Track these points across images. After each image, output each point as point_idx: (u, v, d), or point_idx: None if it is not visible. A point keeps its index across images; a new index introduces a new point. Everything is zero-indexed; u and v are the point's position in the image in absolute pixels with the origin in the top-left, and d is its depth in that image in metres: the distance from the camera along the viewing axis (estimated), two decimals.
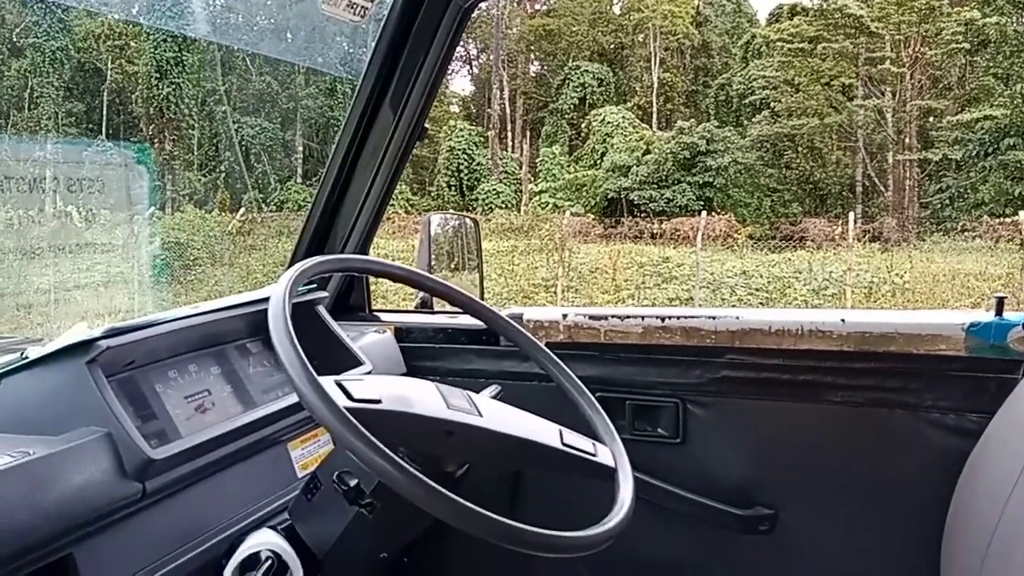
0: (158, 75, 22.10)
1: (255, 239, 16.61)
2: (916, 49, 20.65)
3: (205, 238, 16.24)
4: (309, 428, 1.44)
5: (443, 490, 0.89)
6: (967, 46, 19.90)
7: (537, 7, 30.39)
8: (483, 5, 1.55)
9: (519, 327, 1.34)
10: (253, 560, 1.12)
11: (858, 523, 1.51)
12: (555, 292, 13.73)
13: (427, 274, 1.44)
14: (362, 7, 1.43)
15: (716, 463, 1.60)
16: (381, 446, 0.88)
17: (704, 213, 17.09)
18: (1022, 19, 18.76)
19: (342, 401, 0.95)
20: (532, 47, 29.57)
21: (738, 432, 1.59)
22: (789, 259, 15.10)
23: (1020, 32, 18.59)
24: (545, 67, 29.79)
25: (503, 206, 23.08)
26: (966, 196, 19.01)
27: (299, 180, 24.39)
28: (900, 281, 12.97)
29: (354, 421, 0.89)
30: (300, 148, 24.97)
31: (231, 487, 1.24)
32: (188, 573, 1.13)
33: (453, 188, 24.10)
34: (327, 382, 0.96)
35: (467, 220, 2.00)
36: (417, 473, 0.88)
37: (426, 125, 1.68)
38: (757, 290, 13.40)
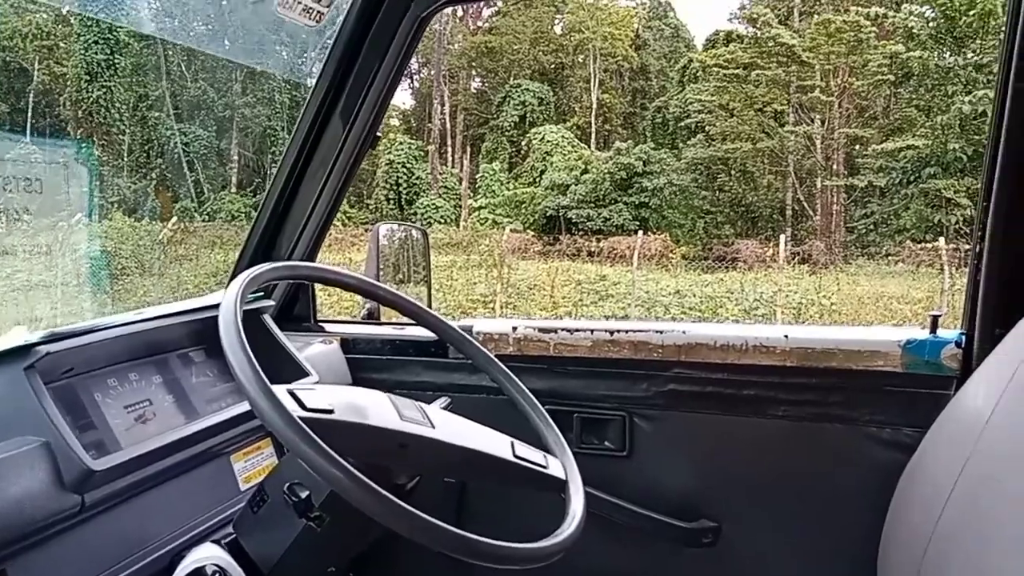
0: (88, 77, 21.44)
1: (187, 249, 16.21)
2: (844, 79, 21.43)
3: (134, 247, 15.77)
4: (252, 440, 1.40)
5: (397, 501, 0.88)
6: (892, 78, 20.73)
7: (479, 24, 30.56)
8: (438, 15, 1.55)
9: (471, 339, 1.34)
10: (197, 575, 1.09)
11: (798, 535, 1.54)
12: (494, 308, 13.74)
13: (379, 284, 1.42)
14: (318, 12, 1.41)
15: (662, 476, 1.62)
16: (336, 456, 0.86)
17: (640, 233, 17.37)
18: (943, 54, 19.63)
19: (295, 411, 0.93)
20: (474, 63, 29.70)
21: (683, 445, 1.61)
22: (721, 279, 15.46)
23: (941, 67, 19.45)
24: (486, 84, 29.94)
25: (442, 221, 23.06)
26: (889, 222, 19.73)
27: (233, 190, 23.91)
28: (827, 303, 13.37)
29: (308, 431, 0.87)
30: (235, 157, 24.50)
31: (172, 500, 1.20)
32: None
33: (392, 201, 23.96)
34: (280, 391, 0.94)
35: (417, 232, 1.98)
36: (371, 484, 0.87)
37: (377, 133, 1.67)
38: (690, 309, 13.65)
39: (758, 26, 22.24)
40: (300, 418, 0.90)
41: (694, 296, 14.25)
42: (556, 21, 29.44)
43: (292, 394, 0.98)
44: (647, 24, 28.40)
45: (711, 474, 1.60)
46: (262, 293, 1.56)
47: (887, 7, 21.00)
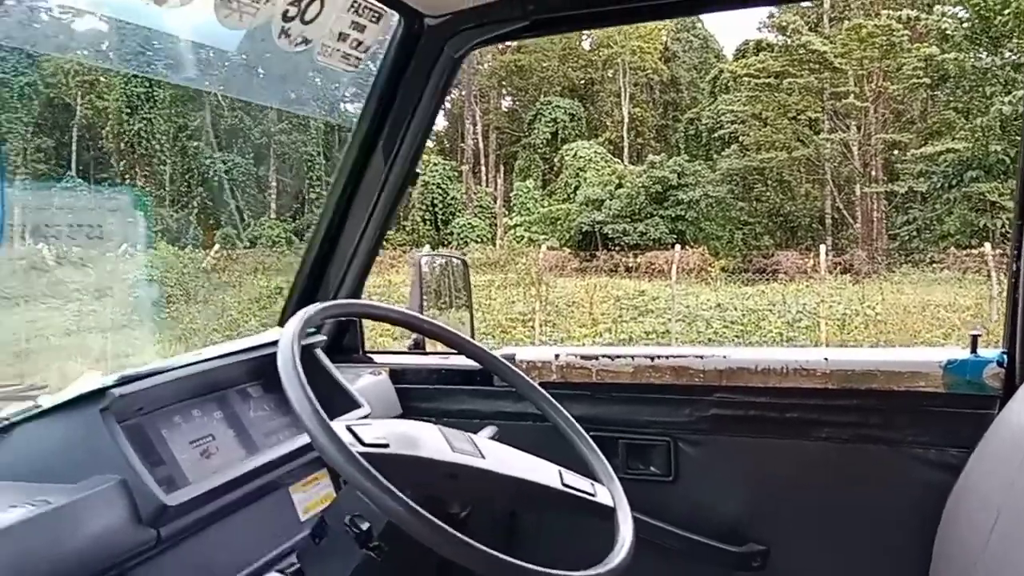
0: (129, 110, 22.00)
1: (229, 276, 16.49)
2: (879, 84, 21.19)
3: (178, 275, 16.10)
4: (310, 472, 1.45)
5: (452, 531, 0.91)
6: (928, 81, 20.44)
7: (508, 43, 30.80)
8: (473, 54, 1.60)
9: (514, 368, 1.37)
10: None
11: (848, 557, 1.54)
12: (533, 326, 13.76)
13: (423, 316, 1.47)
14: (355, 58, 1.47)
15: (708, 500, 1.63)
16: (393, 489, 0.91)
17: (678, 246, 17.27)
18: (979, 55, 19.31)
19: (354, 446, 0.98)
20: (504, 82, 29.89)
21: (728, 469, 1.62)
22: (763, 291, 15.29)
23: (978, 68, 19.13)
24: (517, 102, 30.09)
25: (478, 240, 23.16)
26: (932, 228, 19.38)
27: (272, 216, 24.29)
28: (872, 313, 13.17)
29: (367, 466, 0.92)
30: (273, 184, 24.90)
31: (238, 532, 1.25)
32: None
33: (428, 223, 24.13)
34: (339, 427, 0.99)
35: (456, 260, 2.03)
36: (427, 515, 0.91)
37: (417, 170, 1.72)
38: (732, 323, 13.53)
39: (788, 34, 22.08)
40: (359, 453, 0.95)
41: (735, 309, 14.12)
42: (584, 37, 29.54)
43: (350, 430, 1.02)
44: (675, 36, 28.34)
45: (757, 497, 1.61)
46: (313, 329, 1.62)
47: (919, 9, 20.75)
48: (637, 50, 27.40)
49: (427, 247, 16.68)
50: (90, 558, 0.99)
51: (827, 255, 15.49)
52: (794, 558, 1.58)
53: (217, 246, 18.58)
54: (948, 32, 19.44)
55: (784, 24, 22.33)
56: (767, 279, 16.42)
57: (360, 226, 1.72)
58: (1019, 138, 17.22)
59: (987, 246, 13.89)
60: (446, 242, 22.60)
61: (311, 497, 1.44)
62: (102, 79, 23.27)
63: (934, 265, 16.76)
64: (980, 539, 1.07)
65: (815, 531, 1.56)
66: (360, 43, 1.43)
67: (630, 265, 17.78)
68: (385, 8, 1.44)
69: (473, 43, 1.59)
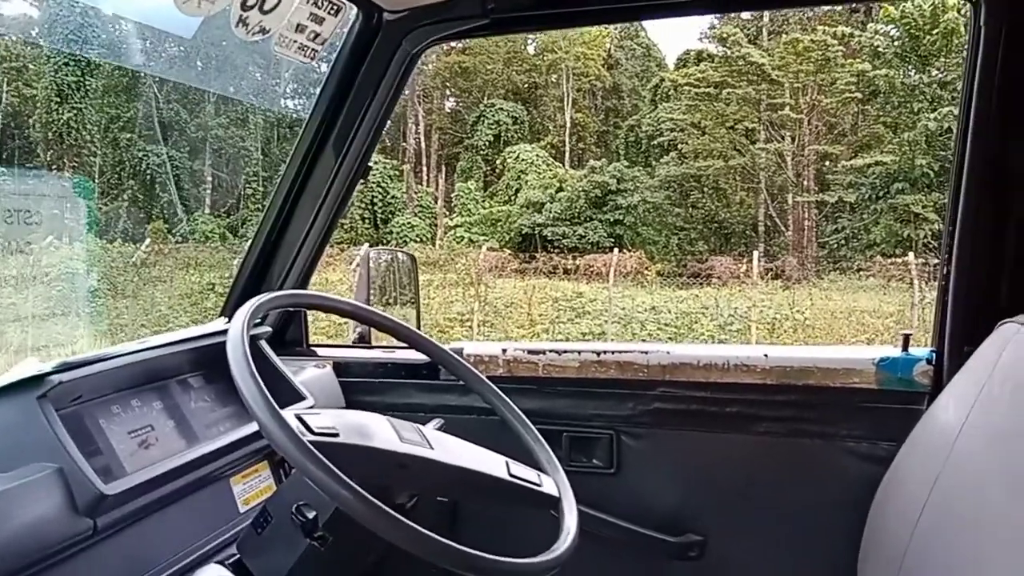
0: (58, 99, 21.27)
1: (160, 271, 16.07)
2: (813, 97, 21.81)
3: (107, 269, 15.61)
4: (251, 463, 1.44)
5: (403, 519, 0.92)
6: (859, 95, 21.14)
7: (453, 44, 30.72)
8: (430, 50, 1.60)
9: (463, 361, 1.39)
10: None
11: (781, 546, 1.59)
12: (471, 326, 13.76)
13: (372, 309, 1.47)
14: (312, 49, 1.46)
15: (649, 492, 1.67)
16: (344, 477, 0.91)
17: (616, 250, 17.48)
18: (908, 72, 20.05)
19: (304, 434, 0.97)
20: (447, 83, 29.82)
21: (669, 462, 1.66)
22: (696, 295, 15.58)
23: (906, 84, 19.87)
24: (460, 103, 30.05)
25: (418, 239, 23.07)
26: (860, 237, 20.04)
27: (207, 211, 23.75)
28: (801, 317, 13.54)
29: (317, 453, 0.92)
30: (209, 178, 24.36)
31: (176, 523, 1.23)
32: None
33: (367, 220, 23.91)
34: (288, 416, 0.98)
35: (403, 255, 2.03)
36: (378, 503, 0.91)
37: (369, 164, 1.71)
38: (666, 325, 13.76)
39: (728, 45, 22.57)
40: (309, 442, 0.94)
41: (669, 312, 14.36)
42: (529, 41, 29.68)
43: (299, 418, 1.02)
44: (619, 44, 28.70)
45: (697, 489, 1.65)
46: (258, 320, 1.60)
47: (853, 26, 21.46)
48: (581, 56, 27.65)
49: (365, 245, 16.52)
50: (24, 547, 0.97)
51: (759, 261, 15.88)
52: (730, 547, 1.63)
53: (148, 240, 18.09)
54: (880, 49, 20.17)
55: (724, 35, 22.82)
56: (701, 283, 16.75)
57: (308, 218, 1.70)
58: (944, 152, 17.98)
59: (910, 255, 14.46)
60: (385, 241, 22.43)
61: (251, 489, 1.43)
62: (31, 66, 22.45)
63: (861, 272, 17.36)
64: (907, 527, 1.12)
65: (751, 521, 1.61)
66: (317, 35, 1.43)
67: (569, 267, 17.93)
68: (344, 1, 1.44)
69: (431, 39, 1.59)
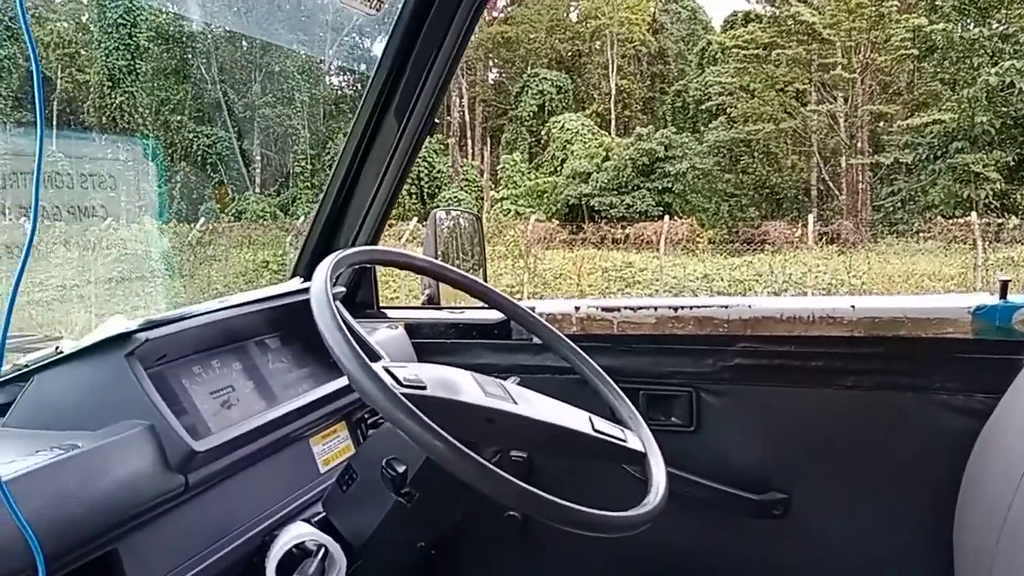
0: (110, 84, 21.71)
1: (215, 250, 16.39)
2: (866, 55, 21.17)
3: (163, 250, 15.98)
4: (329, 424, 1.43)
5: (500, 471, 0.90)
6: (915, 52, 20.45)
7: (495, 15, 30.50)
8: None
9: (541, 320, 1.36)
10: (295, 553, 1.12)
11: (870, 504, 1.54)
12: (521, 298, 13.74)
13: (447, 265, 1.44)
14: (378, 1, 1.43)
15: (730, 450, 1.63)
16: (439, 430, 0.89)
17: (666, 217, 17.30)
18: (967, 26, 19.32)
19: (395, 387, 0.95)
20: (490, 54, 29.67)
21: (751, 419, 1.62)
22: (749, 262, 15.37)
23: (966, 39, 19.14)
24: (503, 75, 29.91)
25: None
26: (917, 199, 19.50)
27: (257, 190, 24.11)
28: (858, 282, 13.27)
29: (410, 405, 0.90)
30: (258, 158, 24.70)
31: (260, 482, 1.23)
32: (223, 568, 1.12)
33: (414, 196, 24.03)
34: (378, 369, 0.96)
35: (469, 215, 2.00)
36: (474, 455, 0.89)
37: (436, 120, 1.68)
38: (719, 293, 13.60)
39: (777, 4, 22.03)
40: (401, 394, 0.92)
41: (722, 280, 14.21)
42: (572, 8, 29.33)
43: (388, 371, 1.00)
44: (663, 8, 28.21)
45: (780, 446, 1.60)
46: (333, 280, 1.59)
47: None
48: (625, 21, 27.25)
49: (414, 220, 16.61)
50: (119, 502, 0.97)
51: (814, 225, 15.57)
52: (815, 506, 1.58)
53: (203, 220, 18.44)
54: (937, 3, 19.43)
55: None
56: (754, 250, 16.51)
57: (376, 176, 1.68)
58: (1005, 108, 17.34)
59: (973, 215, 14.01)
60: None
61: (330, 449, 1.43)
62: (82, 52, 22.93)
63: (919, 235, 16.90)
64: (1009, 485, 1.06)
65: (837, 479, 1.56)
66: None
67: (618, 237, 17.82)
68: None
69: None
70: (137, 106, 21.93)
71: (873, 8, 20.10)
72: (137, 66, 21.67)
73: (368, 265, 1.73)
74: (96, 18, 23.00)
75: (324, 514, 1.20)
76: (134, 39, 21.80)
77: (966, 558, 1.17)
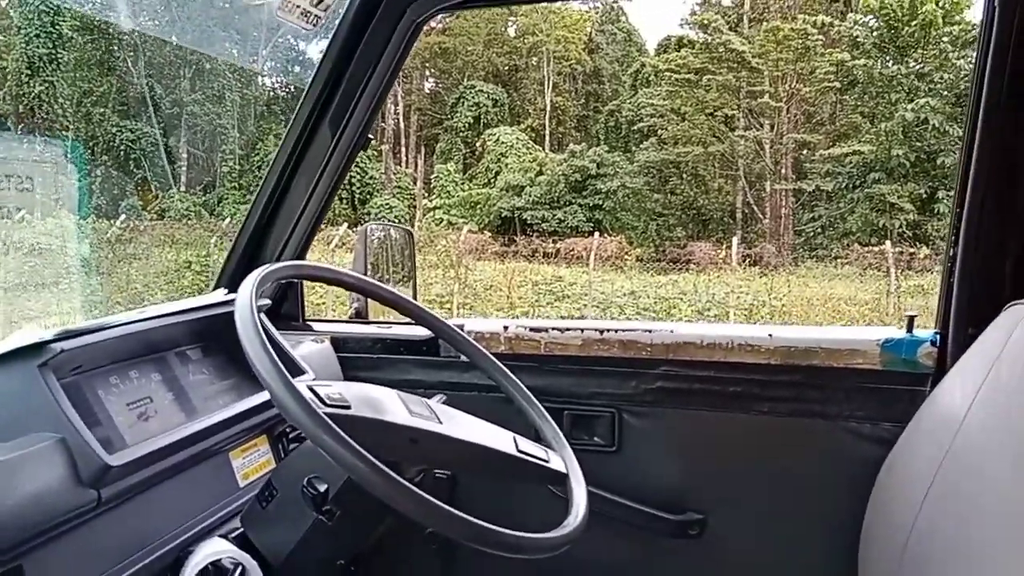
0: (29, 72, 20.86)
1: (136, 248, 15.87)
2: (792, 85, 21.93)
3: (80, 245, 15.37)
4: (250, 437, 1.41)
5: (421, 493, 0.90)
6: (838, 85, 21.29)
7: (433, 25, 30.46)
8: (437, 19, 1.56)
9: (468, 338, 1.37)
10: (211, 570, 1.10)
11: (782, 526, 1.59)
12: (451, 308, 13.73)
13: (376, 282, 1.44)
14: (315, 16, 1.43)
15: (650, 471, 1.66)
16: (361, 450, 0.89)
17: (596, 234, 17.51)
18: (886, 63, 20.20)
19: (318, 406, 0.95)
20: (427, 64, 29.61)
21: (670, 440, 1.65)
22: (675, 281, 15.67)
23: (885, 75, 20.01)
24: (440, 85, 29.88)
25: (396, 221, 22.97)
26: (836, 225, 20.22)
27: (182, 188, 23.47)
28: (779, 304, 13.65)
29: (333, 425, 0.90)
30: (184, 156, 24.05)
31: (177, 496, 1.21)
32: None
33: (345, 201, 23.75)
34: (302, 387, 0.96)
35: (401, 231, 2.00)
36: (396, 476, 0.90)
37: (369, 136, 1.68)
38: (644, 309, 13.81)
39: (709, 32, 22.60)
40: (324, 413, 0.92)
41: (648, 297, 14.43)
42: (510, 23, 29.52)
43: (311, 389, 1.00)
44: (600, 28, 28.63)
45: (698, 468, 1.64)
46: None
47: (833, 16, 21.58)
48: (562, 39, 27.58)
49: (344, 226, 16.42)
50: (29, 518, 0.94)
51: (738, 247, 15.98)
52: (730, 526, 1.63)
53: (124, 217, 17.84)
54: (859, 40, 20.28)
55: (706, 22, 22.85)
56: (680, 269, 16.84)
57: (306, 190, 1.66)
58: (919, 143, 18.15)
59: (887, 244, 14.60)
60: (362, 221, 22.28)
61: (250, 463, 1.41)
62: (0, 37, 21.98)
63: (837, 261, 17.54)
64: (911, 509, 1.11)
65: (751, 501, 1.61)
66: (322, 0, 1.39)
67: (549, 251, 17.95)
68: None
69: (436, 8, 1.56)
70: (57, 96, 21.12)
71: (799, 41, 20.86)
72: (59, 55, 20.88)
73: (292, 280, 1.71)
74: (16, 3, 22.10)
75: (242, 530, 1.18)
76: (57, 27, 21.02)
77: None
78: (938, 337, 1.48)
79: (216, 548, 1.12)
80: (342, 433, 0.89)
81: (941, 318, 1.48)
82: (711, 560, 1.64)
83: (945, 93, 18.69)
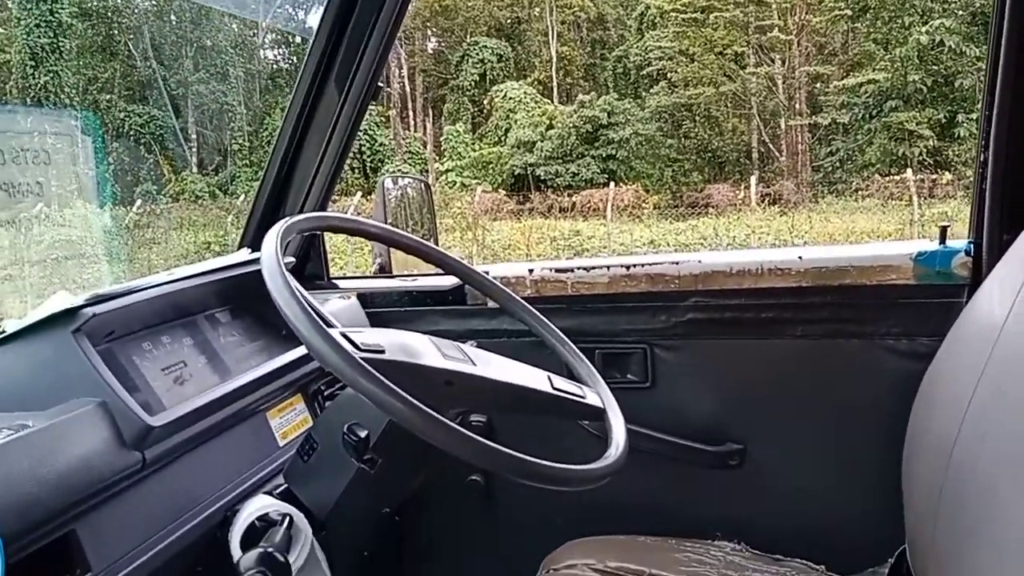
0: (33, 63, 20.83)
1: (154, 232, 15.97)
2: (802, 17, 21.43)
3: (98, 234, 15.49)
4: (285, 397, 1.42)
5: (461, 429, 0.90)
6: (849, 12, 20.77)
7: None
8: None
9: (497, 283, 1.36)
10: (259, 525, 1.10)
11: (822, 449, 1.58)
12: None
13: (399, 231, 1.43)
14: None
15: (685, 404, 1.65)
16: (401, 392, 0.88)
17: (612, 184, 17.38)
18: None
19: (355, 352, 0.94)
20: (428, 23, 29.21)
21: (705, 372, 1.64)
22: (694, 226, 15.59)
23: None
24: (443, 43, 29.50)
25: None
26: (855, 158, 19.91)
27: (194, 170, 23.51)
28: (800, 242, 13.54)
29: (370, 369, 0.89)
30: (194, 137, 24.05)
31: (219, 458, 1.22)
32: (186, 545, 1.10)
33: (356, 171, 23.66)
34: (335, 334, 0.95)
35: (419, 182, 1.98)
36: (436, 415, 0.89)
37: (379, 84, 1.65)
38: None
39: None
40: (360, 358, 0.91)
41: (668, 244, 14.38)
42: None
43: (345, 336, 0.99)
44: None
45: (734, 398, 1.63)
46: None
47: None
48: None
49: (358, 195, 16.40)
50: (75, 482, 0.94)
51: (756, 186, 15.82)
52: (771, 454, 1.62)
53: (139, 202, 17.94)
54: None
55: None
56: (698, 213, 16.73)
57: (321, 144, 1.64)
58: (936, 67, 17.74)
59: (908, 172, 14.37)
60: (375, 189, 22.16)
61: (287, 423, 1.41)
62: (1, 31, 21.94)
63: (858, 193, 17.30)
64: (954, 421, 1.09)
65: (790, 427, 1.60)
66: None
67: (565, 206, 17.86)
68: None
69: None
70: (63, 86, 21.09)
71: None
72: (61, 44, 20.81)
73: (318, 232, 1.70)
74: None
75: (286, 486, 1.19)
76: (56, 15, 20.93)
77: (915, 491, 1.21)
78: (972, 246, 1.45)
79: (262, 503, 1.13)
80: (378, 375, 0.88)
81: (975, 226, 1.44)
82: (754, 489, 1.63)
83: (960, 12, 18.19)
